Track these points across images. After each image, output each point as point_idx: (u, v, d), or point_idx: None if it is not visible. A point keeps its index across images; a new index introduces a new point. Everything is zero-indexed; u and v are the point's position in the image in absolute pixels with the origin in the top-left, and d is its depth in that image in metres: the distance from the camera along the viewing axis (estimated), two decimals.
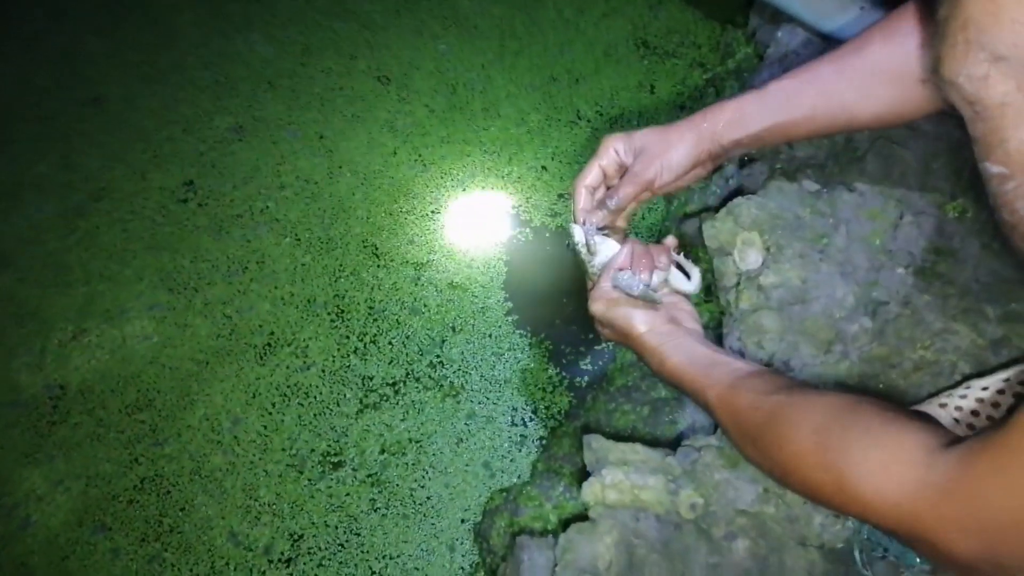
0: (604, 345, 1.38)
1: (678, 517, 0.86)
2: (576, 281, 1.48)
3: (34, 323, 1.47)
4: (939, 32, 0.47)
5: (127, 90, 1.79)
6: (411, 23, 1.84)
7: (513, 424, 1.32)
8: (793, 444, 0.59)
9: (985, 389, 0.79)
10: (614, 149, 0.86)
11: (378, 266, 1.47)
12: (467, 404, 1.34)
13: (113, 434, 1.34)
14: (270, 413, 1.34)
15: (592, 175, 0.87)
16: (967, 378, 0.85)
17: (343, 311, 1.43)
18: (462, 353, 1.38)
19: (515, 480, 1.27)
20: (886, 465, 0.52)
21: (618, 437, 1.16)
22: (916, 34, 0.72)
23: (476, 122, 1.65)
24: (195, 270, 1.50)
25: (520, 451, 1.30)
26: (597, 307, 0.80)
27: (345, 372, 1.37)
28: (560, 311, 1.42)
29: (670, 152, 0.82)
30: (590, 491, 0.91)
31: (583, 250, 0.82)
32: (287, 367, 1.38)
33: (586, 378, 1.35)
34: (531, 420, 1.32)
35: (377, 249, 1.49)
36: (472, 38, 1.80)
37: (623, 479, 0.89)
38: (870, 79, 0.75)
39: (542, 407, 1.33)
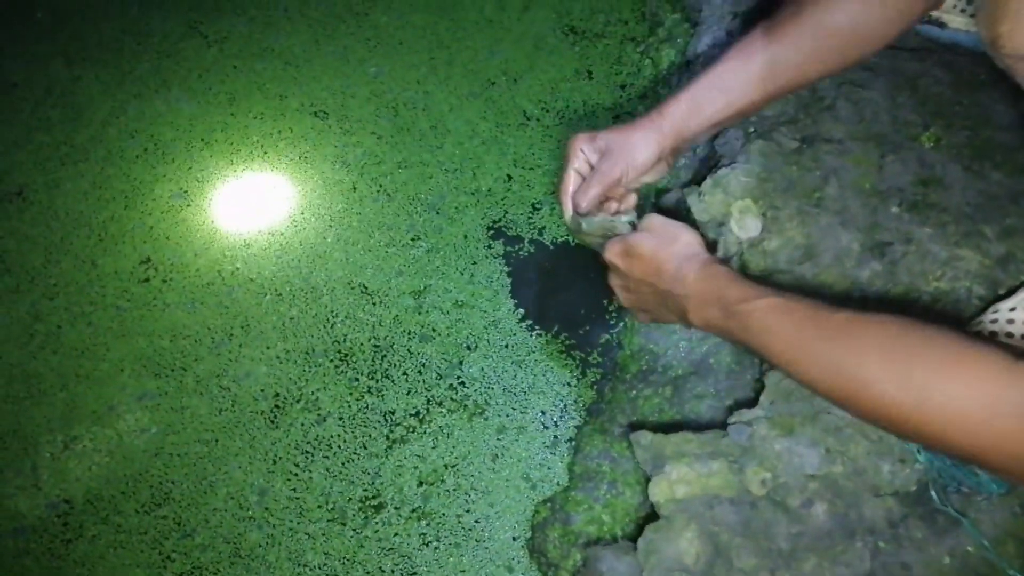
0: (611, 335, 1.38)
1: (750, 496, 0.88)
2: (581, 271, 1.48)
3: (17, 442, 1.39)
4: (995, 12, 0.48)
5: (49, 176, 1.69)
6: (334, 50, 1.79)
7: (544, 427, 1.32)
8: (870, 363, 0.58)
9: (1013, 310, 0.83)
10: (580, 150, 0.89)
11: (373, 303, 1.44)
12: (495, 419, 1.33)
13: (136, 537, 1.28)
14: (296, 474, 1.31)
15: (571, 182, 0.89)
16: (989, 303, 0.89)
17: (346, 355, 1.40)
18: (482, 369, 1.37)
19: (556, 487, 1.27)
20: (970, 384, 0.53)
21: (649, 425, 1.17)
22: None
23: (428, 141, 1.62)
24: (177, 349, 1.44)
25: (554, 455, 1.30)
26: (652, 217, 0.82)
27: (364, 414, 1.34)
28: (571, 304, 1.42)
29: (634, 152, 0.85)
30: (658, 490, 0.92)
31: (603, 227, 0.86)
32: (302, 424, 1.34)
33: (600, 371, 1.36)
34: (560, 420, 1.32)
35: (367, 287, 1.46)
36: (400, 54, 1.76)
37: (688, 471, 0.91)
38: (813, 41, 0.78)
39: (569, 403, 1.33)
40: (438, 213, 1.54)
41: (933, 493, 0.80)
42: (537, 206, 1.53)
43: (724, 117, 0.82)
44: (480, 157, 1.59)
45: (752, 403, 0.99)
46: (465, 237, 1.51)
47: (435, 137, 1.63)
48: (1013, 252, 0.94)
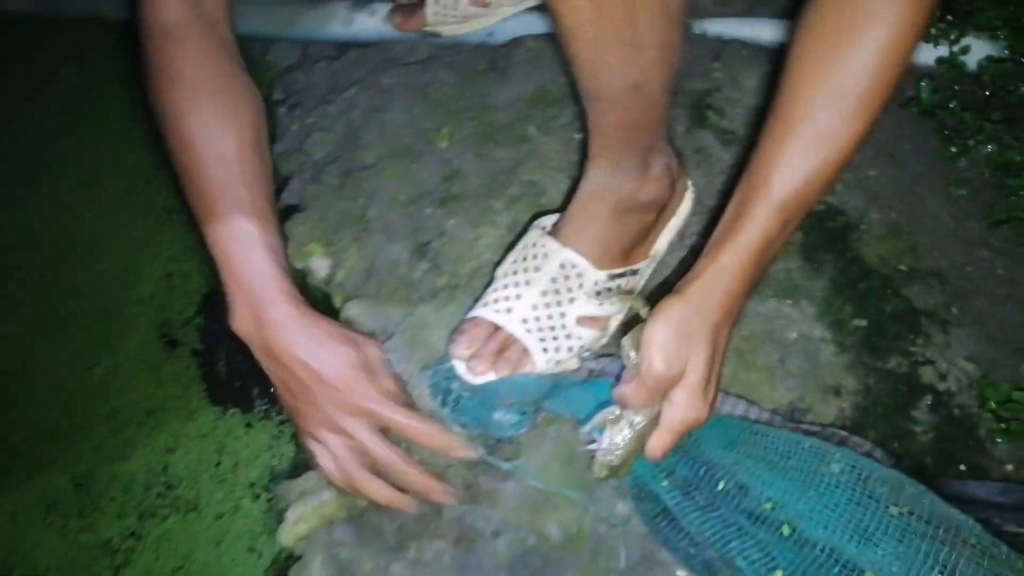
0: None
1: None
2: None
3: None
4: None
5: None
6: None
7: (256, 497, 1.37)
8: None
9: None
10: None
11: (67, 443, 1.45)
12: (209, 508, 1.36)
13: None
14: None
15: None
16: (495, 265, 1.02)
17: (52, 504, 1.40)
18: (187, 466, 1.41)
19: (278, 551, 1.33)
20: None
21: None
22: None
23: None
24: None
25: (271, 520, 1.36)
26: None
27: (81, 553, 1.35)
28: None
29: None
30: (285, 536, 1.00)
31: None
32: None
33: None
34: (271, 484, 1.38)
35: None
36: None
37: (303, 508, 1.00)
38: None
39: (276, 466, 1.40)
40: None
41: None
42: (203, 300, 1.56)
43: None
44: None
45: None
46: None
47: None
48: (517, 218, 1.09)
